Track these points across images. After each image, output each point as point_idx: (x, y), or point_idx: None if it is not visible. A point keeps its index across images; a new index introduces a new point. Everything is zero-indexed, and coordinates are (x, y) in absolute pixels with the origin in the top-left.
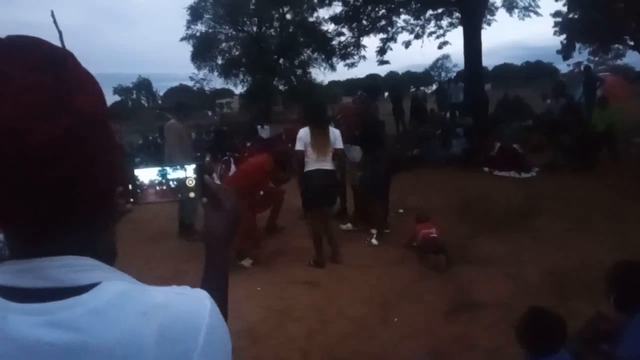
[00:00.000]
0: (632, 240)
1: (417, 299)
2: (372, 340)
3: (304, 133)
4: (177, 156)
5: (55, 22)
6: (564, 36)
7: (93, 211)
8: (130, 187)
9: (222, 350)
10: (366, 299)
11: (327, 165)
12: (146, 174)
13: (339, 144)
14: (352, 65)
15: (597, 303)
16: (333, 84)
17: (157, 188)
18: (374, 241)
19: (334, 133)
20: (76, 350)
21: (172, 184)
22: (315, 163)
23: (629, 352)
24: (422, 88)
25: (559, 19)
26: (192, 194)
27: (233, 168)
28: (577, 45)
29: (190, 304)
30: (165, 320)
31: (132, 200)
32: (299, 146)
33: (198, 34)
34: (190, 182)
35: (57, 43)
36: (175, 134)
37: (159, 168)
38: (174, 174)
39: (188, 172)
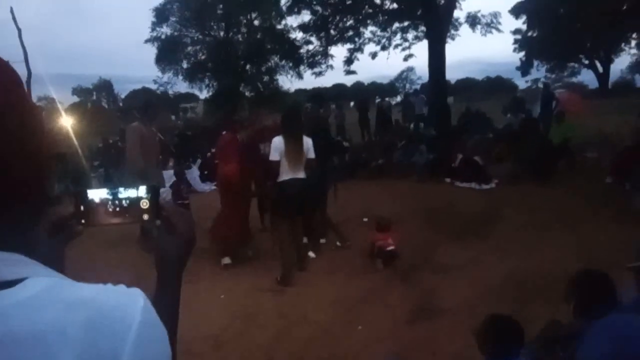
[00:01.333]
0: (588, 246)
1: (381, 305)
2: (337, 345)
3: (278, 142)
4: (138, 162)
5: (14, 19)
6: (523, 53)
7: (17, 205)
8: (82, 208)
9: (156, 350)
10: (331, 305)
11: (301, 174)
12: (98, 195)
13: (312, 154)
14: (319, 74)
15: (555, 307)
16: (300, 92)
17: (110, 209)
18: (311, 254)
19: (307, 143)
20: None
21: (125, 205)
22: (289, 173)
23: (588, 357)
24: (387, 99)
25: (518, 37)
26: (145, 216)
27: (196, 172)
28: (535, 63)
29: (121, 300)
30: (93, 313)
31: (83, 221)
32: (274, 156)
33: (163, 36)
34: (145, 204)
35: (16, 40)
36: (137, 137)
37: (112, 189)
38: (127, 195)
39: (142, 194)
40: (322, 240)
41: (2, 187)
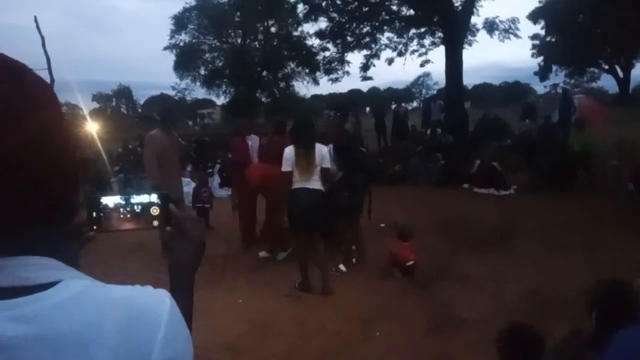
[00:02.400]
0: (609, 261)
1: (398, 315)
2: (353, 355)
3: (289, 152)
4: (154, 171)
5: (38, 27)
6: (541, 58)
7: (52, 214)
8: (94, 214)
9: (183, 347)
10: (347, 314)
11: (313, 184)
12: (111, 201)
13: (327, 163)
14: (335, 80)
15: (574, 321)
16: (315, 98)
17: (121, 216)
18: (342, 267)
19: (321, 151)
20: (38, 342)
21: (136, 212)
22: (300, 182)
23: None
24: (403, 104)
25: (537, 42)
26: (156, 222)
27: (217, 179)
28: (554, 68)
29: (150, 300)
30: (126, 313)
31: (95, 227)
32: (285, 167)
33: (181, 43)
34: (155, 211)
35: (39, 48)
36: (154, 146)
37: (124, 195)
38: (139, 201)
39: (152, 200)
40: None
41: (43, 201)
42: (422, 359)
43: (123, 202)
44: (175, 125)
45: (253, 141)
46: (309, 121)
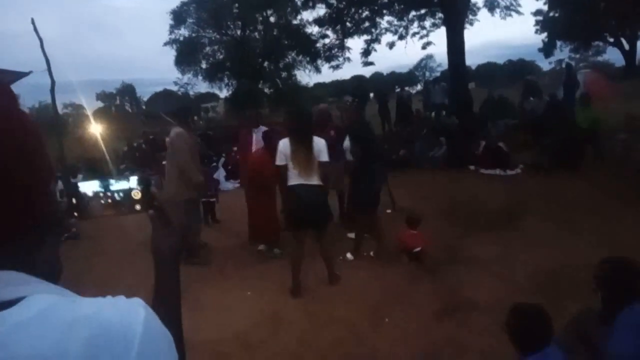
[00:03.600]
0: (619, 239)
1: (408, 302)
2: (364, 344)
3: (283, 145)
4: (195, 169)
5: (35, 29)
6: (545, 34)
7: (20, 227)
8: (74, 201)
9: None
10: (357, 303)
11: (313, 180)
12: (91, 187)
13: (324, 157)
14: (337, 67)
15: (586, 301)
16: (319, 86)
17: (102, 201)
18: (349, 255)
19: (318, 144)
20: None
21: (117, 197)
22: (298, 178)
23: (619, 347)
24: (407, 88)
25: (540, 18)
26: (137, 207)
27: (222, 172)
28: (558, 43)
29: (121, 313)
30: (94, 331)
31: (75, 214)
32: (279, 160)
33: (181, 38)
34: (136, 195)
35: (38, 51)
36: (187, 143)
37: (104, 181)
38: (119, 186)
39: (132, 184)
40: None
41: (14, 211)
42: (433, 344)
43: (103, 189)
44: (189, 121)
45: (258, 134)
46: (307, 113)
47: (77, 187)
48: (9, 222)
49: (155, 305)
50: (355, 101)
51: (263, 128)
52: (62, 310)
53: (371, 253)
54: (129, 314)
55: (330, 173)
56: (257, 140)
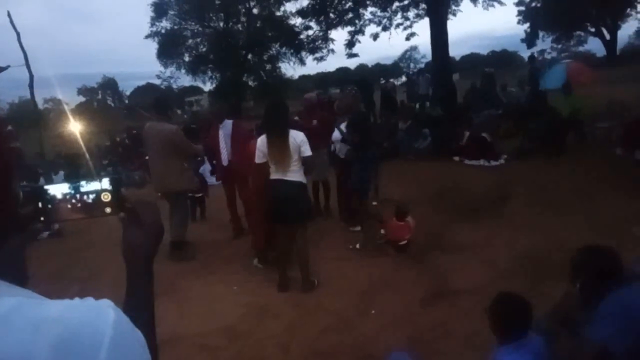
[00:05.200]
0: (602, 222)
1: (394, 289)
2: (351, 331)
3: (260, 142)
4: (194, 149)
5: (12, 22)
6: (527, 25)
7: None
8: (40, 205)
9: None
10: (344, 291)
11: (291, 176)
12: (60, 190)
13: (306, 151)
14: (321, 59)
15: (570, 285)
16: (303, 78)
17: (70, 205)
18: (358, 245)
19: (296, 139)
20: None
21: (86, 200)
22: (277, 174)
23: (601, 333)
24: (391, 80)
25: (522, 8)
26: (108, 210)
27: (207, 167)
28: (541, 34)
29: (90, 315)
30: (61, 332)
31: (42, 219)
32: (258, 158)
33: (163, 30)
34: (106, 197)
35: (16, 44)
36: (184, 138)
37: (72, 183)
38: (88, 188)
39: (103, 186)
40: (357, 228)
41: None
42: (419, 330)
43: (72, 191)
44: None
45: (225, 128)
46: (282, 106)
47: (43, 189)
48: None
49: (127, 308)
50: (354, 90)
51: (229, 122)
52: (28, 313)
53: (357, 245)
54: (98, 315)
55: (314, 164)
56: (224, 135)
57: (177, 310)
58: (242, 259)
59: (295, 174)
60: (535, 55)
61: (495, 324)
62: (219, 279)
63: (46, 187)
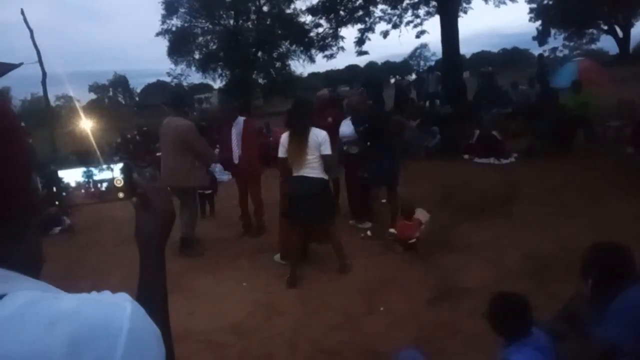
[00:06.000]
0: (610, 222)
1: (401, 288)
2: (358, 330)
3: (284, 138)
4: (209, 153)
5: (25, 20)
6: (539, 22)
7: None
8: (54, 189)
9: (148, 356)
10: (351, 290)
11: (312, 172)
12: (72, 176)
13: (326, 149)
14: (330, 56)
15: (577, 285)
16: (313, 75)
17: (84, 190)
18: (369, 233)
19: (317, 137)
20: None
21: (99, 185)
22: (298, 170)
23: (613, 332)
24: (406, 77)
25: (534, 6)
26: (120, 195)
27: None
28: (552, 31)
29: (106, 309)
30: (77, 327)
31: (56, 202)
32: (280, 153)
33: (174, 28)
34: (119, 182)
35: (29, 41)
36: (199, 135)
37: (85, 169)
38: (100, 174)
39: (115, 172)
40: (367, 225)
41: None
42: (425, 329)
43: (85, 176)
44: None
45: (237, 126)
46: (305, 104)
47: (57, 176)
48: None
49: (141, 295)
50: (362, 88)
51: (241, 120)
52: (44, 307)
53: (368, 232)
54: (115, 309)
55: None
56: (236, 133)
57: (185, 307)
58: (250, 256)
59: (315, 171)
60: (547, 53)
61: (497, 324)
62: (227, 276)
63: (60, 173)
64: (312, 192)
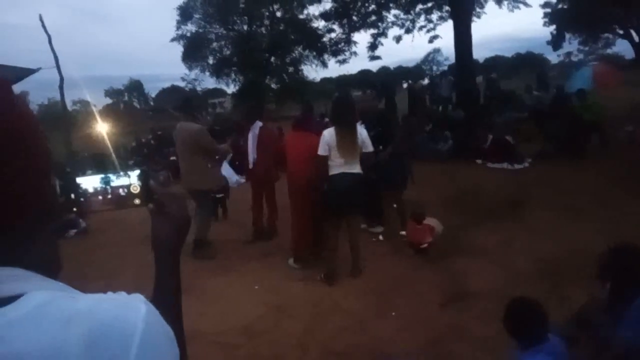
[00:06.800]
0: (622, 227)
1: (412, 291)
2: (368, 332)
3: (328, 135)
4: (222, 151)
5: (43, 25)
6: (553, 27)
7: (16, 220)
8: (72, 196)
9: (162, 357)
10: (361, 292)
11: (355, 169)
12: (91, 183)
13: (369, 147)
14: (343, 61)
15: (589, 289)
16: (325, 80)
17: (101, 196)
18: (381, 237)
19: (361, 134)
20: None
21: (117, 192)
22: (341, 167)
23: (629, 336)
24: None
25: (548, 10)
26: (137, 201)
27: (228, 168)
28: (567, 36)
29: (121, 309)
30: (92, 327)
31: (74, 209)
32: (323, 150)
33: (188, 34)
34: (135, 189)
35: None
36: (210, 138)
37: (103, 175)
38: (118, 181)
39: (132, 179)
40: (379, 229)
41: (10, 203)
42: (435, 332)
43: (102, 182)
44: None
45: (254, 131)
46: (350, 101)
47: (75, 182)
48: (2, 211)
49: (155, 299)
50: (373, 92)
51: (258, 124)
52: (60, 306)
53: (380, 237)
54: (129, 310)
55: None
56: (252, 137)
57: (196, 308)
58: (262, 258)
59: (358, 166)
60: (562, 57)
61: (513, 330)
62: (238, 278)
63: (79, 180)
64: (358, 188)
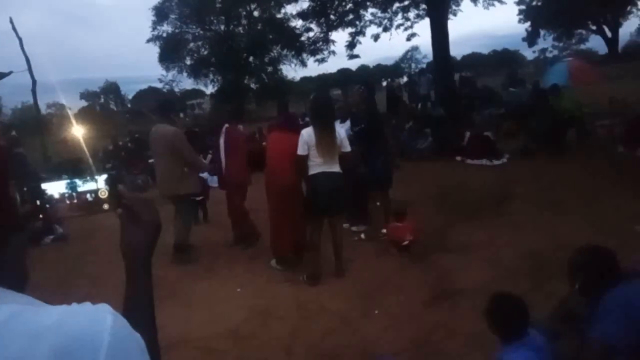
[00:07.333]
0: (605, 219)
1: (398, 290)
2: (355, 333)
3: (307, 135)
4: (203, 162)
5: (14, 28)
6: (528, 23)
7: None
8: (38, 203)
9: None
10: (347, 293)
11: (335, 168)
12: (57, 189)
13: (347, 147)
14: (322, 60)
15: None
16: (305, 80)
17: (68, 202)
18: (363, 236)
19: (340, 133)
20: None
21: (85, 197)
22: (321, 166)
23: (605, 330)
24: (396, 79)
25: (523, 7)
26: (106, 206)
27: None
28: (542, 32)
29: (87, 321)
30: (59, 340)
31: (41, 216)
32: (302, 150)
33: (164, 34)
34: (103, 194)
35: (18, 50)
36: (186, 142)
37: (69, 181)
38: (85, 186)
39: (100, 183)
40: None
41: None
42: (422, 330)
43: (68, 188)
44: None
45: (223, 135)
46: (329, 101)
47: (41, 189)
48: None
49: (127, 308)
50: (362, 88)
51: (226, 125)
52: (25, 320)
53: (362, 236)
54: (95, 321)
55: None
56: (222, 142)
57: (181, 314)
58: (245, 261)
59: (337, 166)
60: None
61: (494, 325)
62: (222, 282)
63: (44, 186)
64: (339, 186)
